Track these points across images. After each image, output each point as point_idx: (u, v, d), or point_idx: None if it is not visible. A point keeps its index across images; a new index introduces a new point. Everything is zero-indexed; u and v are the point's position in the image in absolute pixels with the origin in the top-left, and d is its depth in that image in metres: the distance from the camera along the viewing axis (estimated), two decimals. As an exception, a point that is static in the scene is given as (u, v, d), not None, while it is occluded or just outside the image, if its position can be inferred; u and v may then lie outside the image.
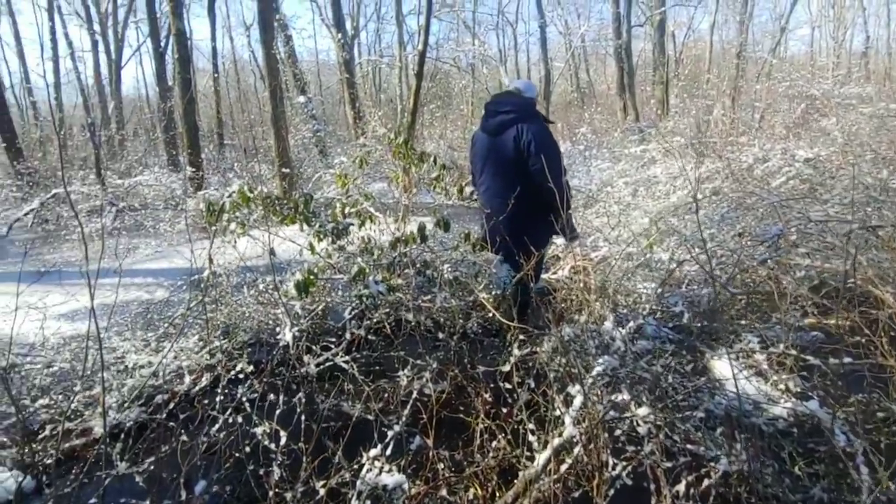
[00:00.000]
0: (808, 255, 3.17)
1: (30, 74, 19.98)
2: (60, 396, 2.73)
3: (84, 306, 2.46)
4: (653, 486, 1.77)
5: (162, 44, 12.97)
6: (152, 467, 2.06)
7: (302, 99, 13.20)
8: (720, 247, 3.42)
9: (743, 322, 2.94)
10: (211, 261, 3.06)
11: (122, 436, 2.34)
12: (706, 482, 1.80)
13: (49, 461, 2.19)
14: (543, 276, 3.86)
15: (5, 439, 2.43)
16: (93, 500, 1.87)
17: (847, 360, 2.06)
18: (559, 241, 3.75)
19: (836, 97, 7.71)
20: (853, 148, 4.53)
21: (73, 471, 2.18)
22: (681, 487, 1.78)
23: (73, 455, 2.37)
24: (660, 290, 3.21)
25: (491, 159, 3.24)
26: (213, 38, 16.85)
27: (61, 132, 13.51)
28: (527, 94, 3.29)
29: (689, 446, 1.96)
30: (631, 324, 2.67)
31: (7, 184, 10.06)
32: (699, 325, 2.81)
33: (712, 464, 1.87)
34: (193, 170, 9.52)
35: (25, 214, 8.20)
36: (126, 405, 2.57)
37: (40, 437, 2.43)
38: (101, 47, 18.01)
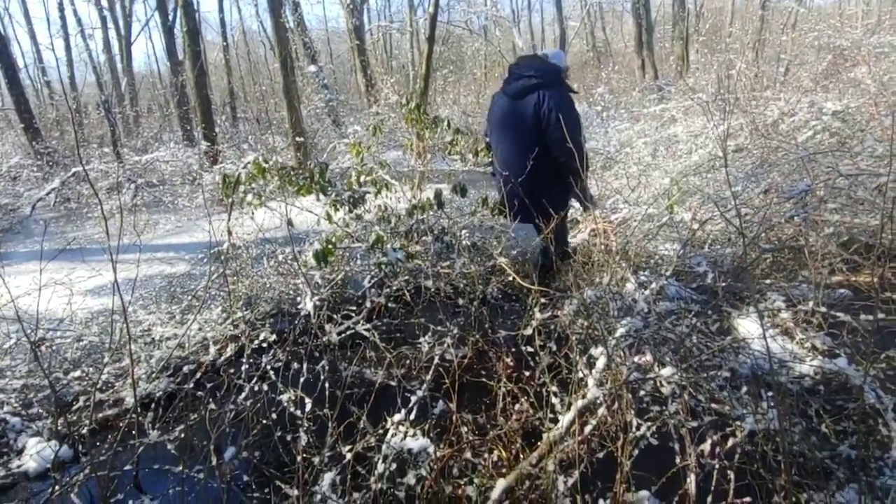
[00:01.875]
0: (836, 210, 3.07)
1: (42, 53, 20.03)
2: (91, 369, 2.80)
3: (109, 281, 2.50)
4: (677, 446, 1.77)
5: (170, 17, 12.83)
6: (182, 435, 2.12)
7: (313, 68, 13.02)
8: (745, 205, 3.33)
9: (769, 281, 2.89)
10: (230, 233, 3.08)
11: (153, 405, 2.41)
12: (731, 441, 1.79)
13: (84, 431, 2.26)
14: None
15: (41, 410, 2.51)
16: (127, 467, 1.93)
17: (879, 316, 2.01)
18: (576, 205, 3.69)
19: (866, 46, 7.37)
20: (886, 98, 4.33)
21: (108, 439, 2.25)
22: (706, 447, 1.77)
23: (107, 425, 2.45)
24: (682, 251, 3.16)
25: (509, 124, 3.19)
26: (221, 10, 16.66)
27: (75, 110, 13.58)
28: (554, 60, 3.21)
29: (713, 406, 1.95)
30: (653, 285, 2.63)
31: (28, 164, 10.17)
32: (724, 284, 2.75)
33: (738, 423, 1.85)
34: (208, 144, 9.53)
35: (47, 194, 8.32)
36: (154, 376, 2.63)
37: (74, 408, 2.51)
38: (109, 23, 17.90)
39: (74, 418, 2.43)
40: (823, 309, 2.26)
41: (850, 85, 5.53)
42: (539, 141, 3.04)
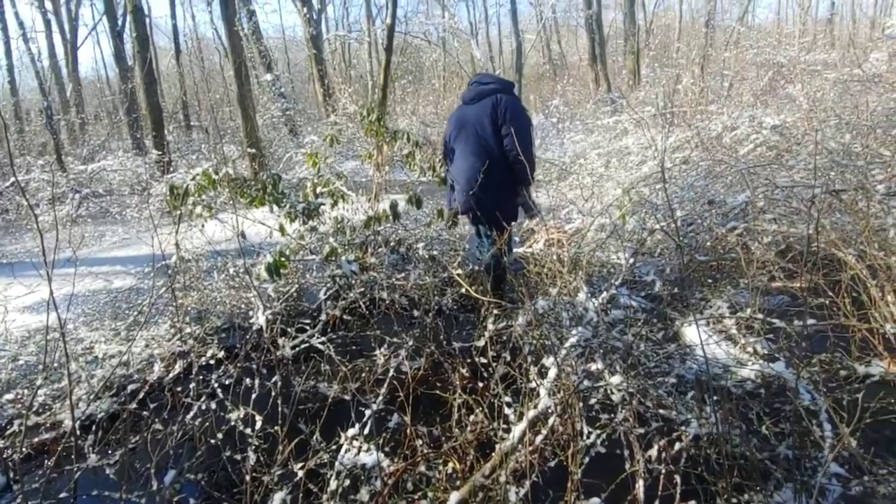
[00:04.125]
0: (774, 220, 3.23)
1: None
2: (26, 391, 2.66)
3: (46, 297, 2.38)
4: (626, 453, 1.81)
5: (119, 22, 12.42)
6: (124, 458, 2.03)
7: (269, 77, 12.85)
8: (690, 215, 3.46)
9: (712, 288, 3.00)
10: (178, 246, 2.99)
11: (94, 427, 2.30)
12: (677, 446, 1.84)
13: (17, 457, 2.13)
14: (517, 249, 3.88)
15: (-29, 436, 2.36)
16: (63, 494, 1.83)
17: (811, 321, 2.12)
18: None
19: (801, 64, 7.80)
20: (818, 113, 4.59)
21: (44, 465, 2.13)
22: (653, 452, 1.81)
23: (44, 449, 2.32)
24: (632, 261, 3.25)
25: (466, 129, 3.28)
26: (174, 15, 16.31)
27: (15, 117, 12.95)
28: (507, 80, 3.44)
29: (661, 411, 2.00)
30: (604, 294, 2.69)
31: (-39, 173, 9.63)
32: (669, 292, 2.85)
33: (683, 428, 1.91)
34: (159, 153, 9.24)
35: (-17, 204, 7.90)
36: (96, 396, 2.52)
37: (7, 432, 2.36)
38: (54, 27, 17.20)
39: (7, 444, 2.29)
40: (761, 316, 2.36)
41: (787, 100, 5.84)
42: (493, 143, 3.16)
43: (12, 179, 8.27)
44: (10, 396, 2.57)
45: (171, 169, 8.92)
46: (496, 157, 3.14)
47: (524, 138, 3.09)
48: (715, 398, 1.95)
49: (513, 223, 3.26)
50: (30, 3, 17.75)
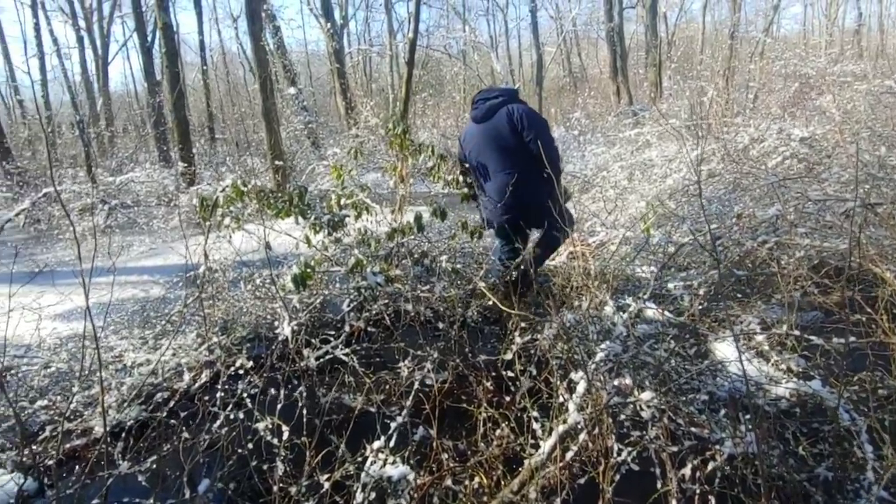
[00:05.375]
0: (806, 234, 3.16)
1: (15, 72, 19.70)
2: (59, 397, 2.71)
3: (79, 306, 2.43)
4: (658, 471, 1.77)
5: (148, 38, 12.79)
6: (154, 466, 2.05)
7: (292, 90, 13.06)
8: (719, 229, 3.41)
9: (743, 303, 2.94)
10: (206, 256, 3.03)
11: (124, 435, 2.33)
12: (711, 465, 1.80)
13: (50, 462, 2.17)
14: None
15: (5, 441, 2.40)
16: (95, 501, 1.85)
17: (849, 339, 2.05)
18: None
19: (830, 75, 7.68)
20: (850, 125, 4.50)
21: (76, 471, 2.16)
22: (686, 471, 1.77)
23: (75, 455, 2.36)
24: (659, 274, 3.20)
25: (487, 146, 3.27)
26: (201, 31, 16.69)
27: (49, 130, 13.35)
28: (509, 87, 3.52)
29: (693, 429, 1.96)
30: (632, 308, 2.66)
31: (-4, 184, 9.95)
32: (700, 307, 2.79)
33: (717, 446, 1.86)
34: (185, 165, 9.44)
35: (17, 215, 8.10)
36: (126, 404, 2.55)
37: (40, 438, 2.40)
38: (86, 43, 17.75)
39: (40, 449, 2.33)
40: (797, 332, 2.30)
41: (816, 112, 5.74)
42: (522, 151, 3.18)
43: (45, 190, 8.50)
44: (43, 403, 2.62)
45: (197, 181, 9.10)
46: (526, 167, 3.15)
47: (547, 139, 3.15)
48: (748, 417, 1.91)
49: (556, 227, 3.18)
50: (64, 20, 18.40)
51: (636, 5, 18.49)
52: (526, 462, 1.87)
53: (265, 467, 1.98)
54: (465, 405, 2.33)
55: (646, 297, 2.76)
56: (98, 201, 8.24)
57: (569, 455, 1.85)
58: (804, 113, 6.05)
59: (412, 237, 3.41)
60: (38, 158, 12.43)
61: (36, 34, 17.12)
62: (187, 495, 1.84)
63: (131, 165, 11.47)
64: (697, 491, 1.69)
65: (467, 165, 3.51)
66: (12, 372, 2.80)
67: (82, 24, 17.51)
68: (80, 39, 17.60)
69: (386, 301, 3.28)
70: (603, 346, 2.26)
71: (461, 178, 3.65)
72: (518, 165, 3.19)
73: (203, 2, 16.78)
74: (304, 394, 2.25)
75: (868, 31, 23.17)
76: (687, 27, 24.24)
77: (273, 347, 2.80)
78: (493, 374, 2.55)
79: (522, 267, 3.14)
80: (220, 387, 2.45)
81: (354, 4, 23.04)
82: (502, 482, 1.88)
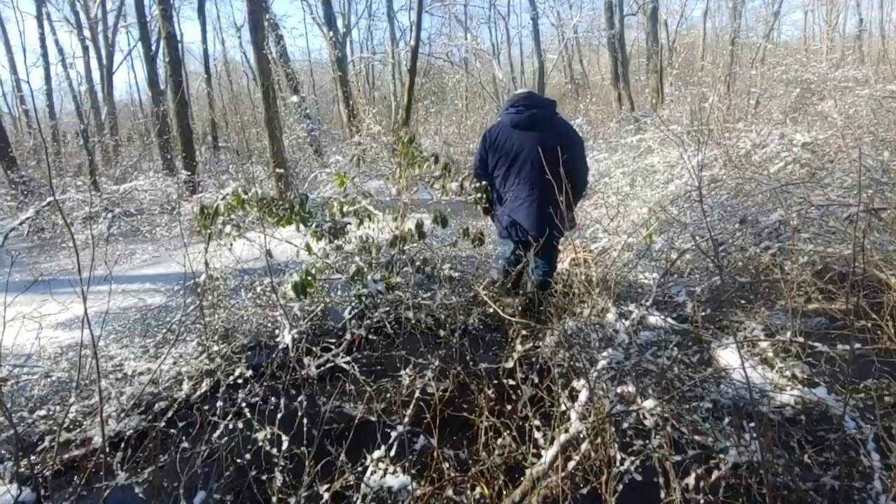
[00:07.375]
0: (810, 240, 3.14)
1: (21, 83, 19.86)
2: (58, 407, 2.69)
3: (80, 315, 2.42)
4: (662, 480, 1.74)
5: (153, 48, 12.87)
6: (152, 477, 2.03)
7: (295, 99, 13.09)
8: (721, 234, 3.39)
9: (746, 310, 2.91)
10: (207, 265, 3.02)
11: (123, 444, 2.31)
12: (716, 474, 1.77)
13: (48, 473, 2.15)
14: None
15: (3, 451, 2.39)
16: (93, 512, 1.83)
17: (855, 345, 2.03)
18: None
19: (832, 80, 7.67)
20: (852, 130, 4.49)
21: (73, 482, 2.15)
22: (690, 480, 1.75)
23: (74, 466, 2.34)
24: (662, 281, 3.18)
25: (529, 157, 3.20)
26: (204, 41, 16.81)
27: (52, 139, 13.42)
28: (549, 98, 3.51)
29: (697, 438, 1.93)
30: (634, 315, 2.63)
31: (1, 193, 9.98)
32: (703, 314, 2.77)
33: (721, 455, 1.84)
34: (188, 173, 9.47)
35: (21, 223, 8.14)
36: (125, 413, 2.54)
37: (39, 448, 2.39)
38: (91, 53, 17.90)
39: (38, 460, 2.31)
40: (801, 339, 2.27)
41: (818, 117, 5.72)
42: (565, 164, 3.05)
43: (49, 199, 8.53)
44: (42, 413, 2.60)
45: (200, 189, 9.12)
46: (566, 184, 3.06)
47: (583, 156, 3.26)
48: (752, 425, 1.88)
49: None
50: (69, 30, 18.58)
51: (637, 13, 18.53)
52: (528, 471, 1.85)
53: (264, 478, 1.96)
54: (466, 414, 2.31)
55: (648, 303, 2.73)
56: (101, 209, 8.26)
57: (571, 464, 1.83)
58: (806, 118, 6.04)
59: (413, 244, 3.40)
60: (43, 167, 12.47)
61: (41, 44, 17.31)
62: (185, 506, 1.82)
63: (135, 174, 11.50)
64: (702, 501, 1.67)
65: (493, 171, 3.38)
66: (11, 381, 2.78)
67: (87, 33, 17.67)
68: (85, 49, 17.77)
69: (387, 309, 3.26)
70: (605, 353, 2.24)
71: (468, 186, 3.58)
72: (562, 180, 3.02)
73: (207, 12, 16.92)
74: (305, 403, 2.24)
75: (869, 37, 23.17)
76: (688, 34, 24.29)
77: (273, 356, 2.78)
78: (495, 382, 2.53)
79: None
80: (220, 396, 2.44)
81: (357, 13, 23.25)
82: (504, 492, 1.86)
